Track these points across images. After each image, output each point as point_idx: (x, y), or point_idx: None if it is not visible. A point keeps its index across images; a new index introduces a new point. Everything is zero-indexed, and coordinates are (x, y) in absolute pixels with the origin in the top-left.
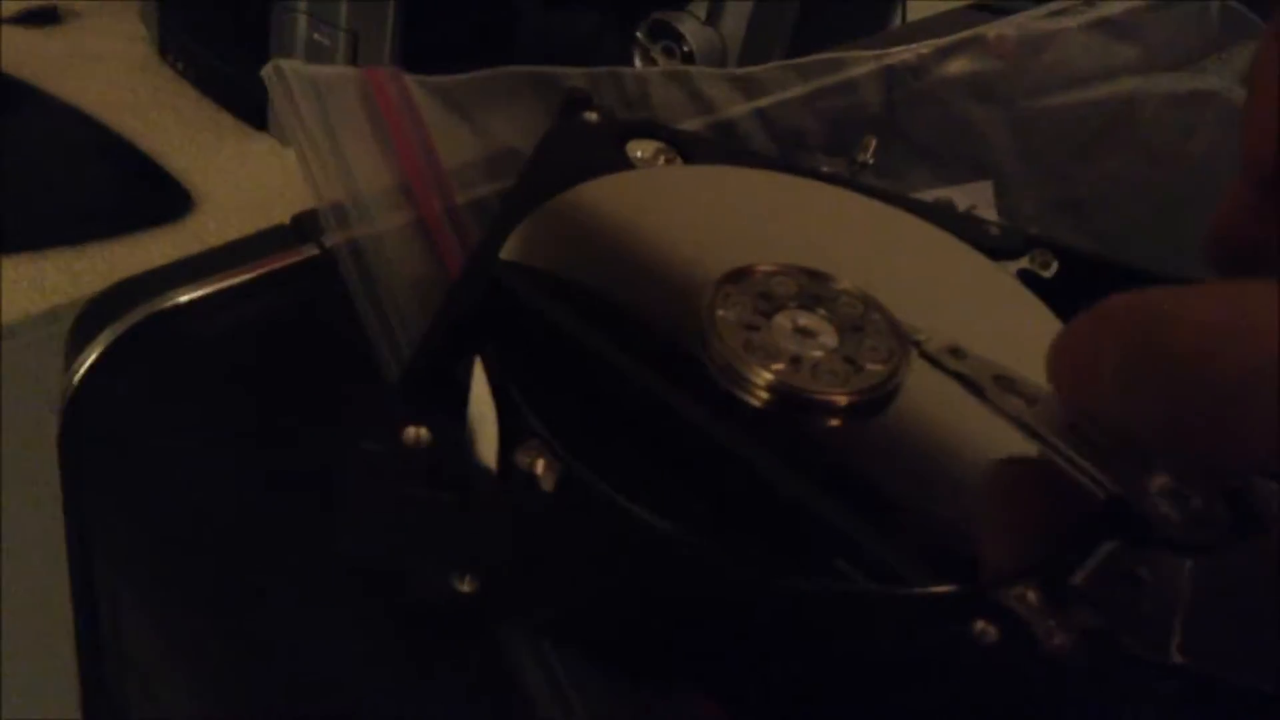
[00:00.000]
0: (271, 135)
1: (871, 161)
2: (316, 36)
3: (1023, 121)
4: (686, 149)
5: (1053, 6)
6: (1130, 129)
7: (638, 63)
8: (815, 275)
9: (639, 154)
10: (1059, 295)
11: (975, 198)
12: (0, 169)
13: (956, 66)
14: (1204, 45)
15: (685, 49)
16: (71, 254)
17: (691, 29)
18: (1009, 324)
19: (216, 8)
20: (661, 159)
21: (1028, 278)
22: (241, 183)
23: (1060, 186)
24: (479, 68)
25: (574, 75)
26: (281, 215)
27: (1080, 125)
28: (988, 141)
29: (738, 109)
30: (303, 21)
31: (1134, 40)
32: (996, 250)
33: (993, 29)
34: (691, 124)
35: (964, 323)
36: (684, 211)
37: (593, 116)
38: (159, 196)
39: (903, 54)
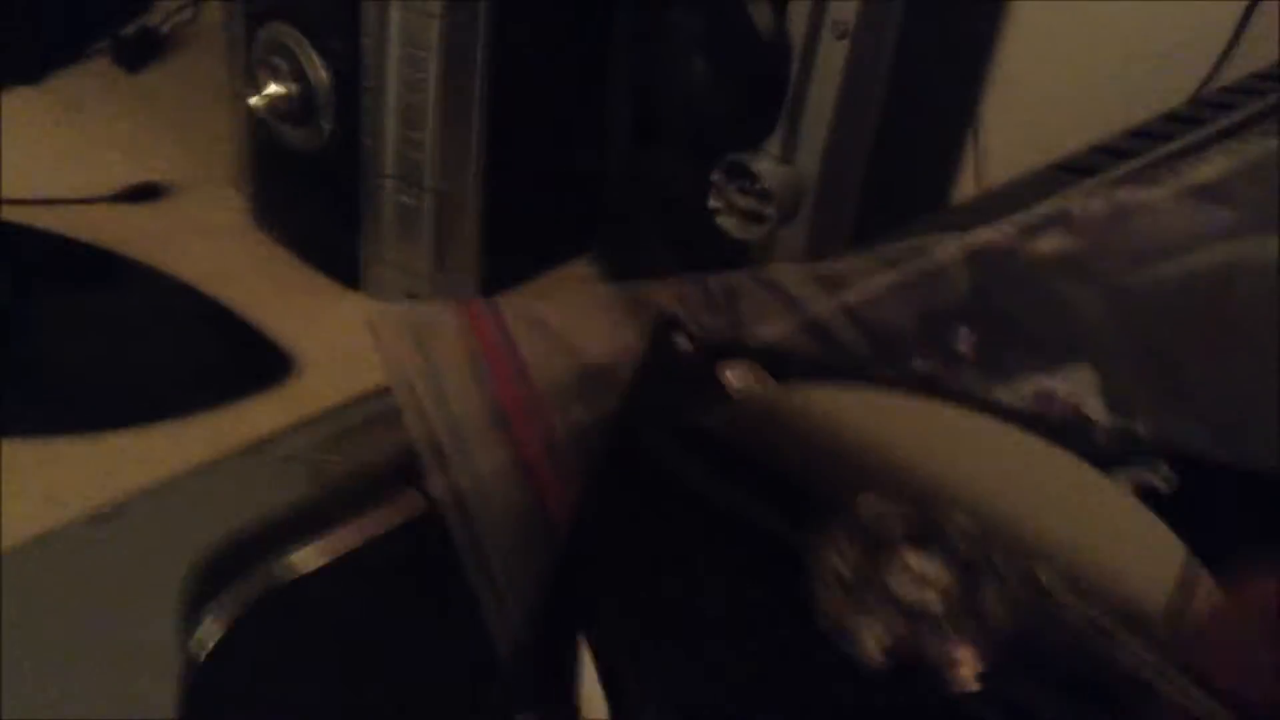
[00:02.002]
0: (366, 293)
1: (968, 355)
2: (403, 199)
3: (1118, 298)
4: (777, 367)
5: (1136, 166)
6: (1229, 301)
7: (714, 203)
8: (926, 506)
9: (731, 378)
10: (1179, 507)
11: (1077, 385)
12: (106, 344)
13: (1044, 245)
14: None
15: (761, 187)
16: (179, 425)
17: (767, 168)
18: (1129, 550)
19: (307, 175)
20: (753, 380)
21: (1143, 491)
22: (340, 342)
23: (1164, 368)
24: (564, 218)
25: (662, 292)
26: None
27: (1177, 300)
28: (1084, 321)
29: (824, 306)
30: (389, 185)
31: (1226, 203)
32: (1107, 459)
33: (1078, 202)
34: (780, 326)
35: (1082, 548)
36: (785, 444)
37: (684, 342)
38: (261, 362)
39: (988, 235)
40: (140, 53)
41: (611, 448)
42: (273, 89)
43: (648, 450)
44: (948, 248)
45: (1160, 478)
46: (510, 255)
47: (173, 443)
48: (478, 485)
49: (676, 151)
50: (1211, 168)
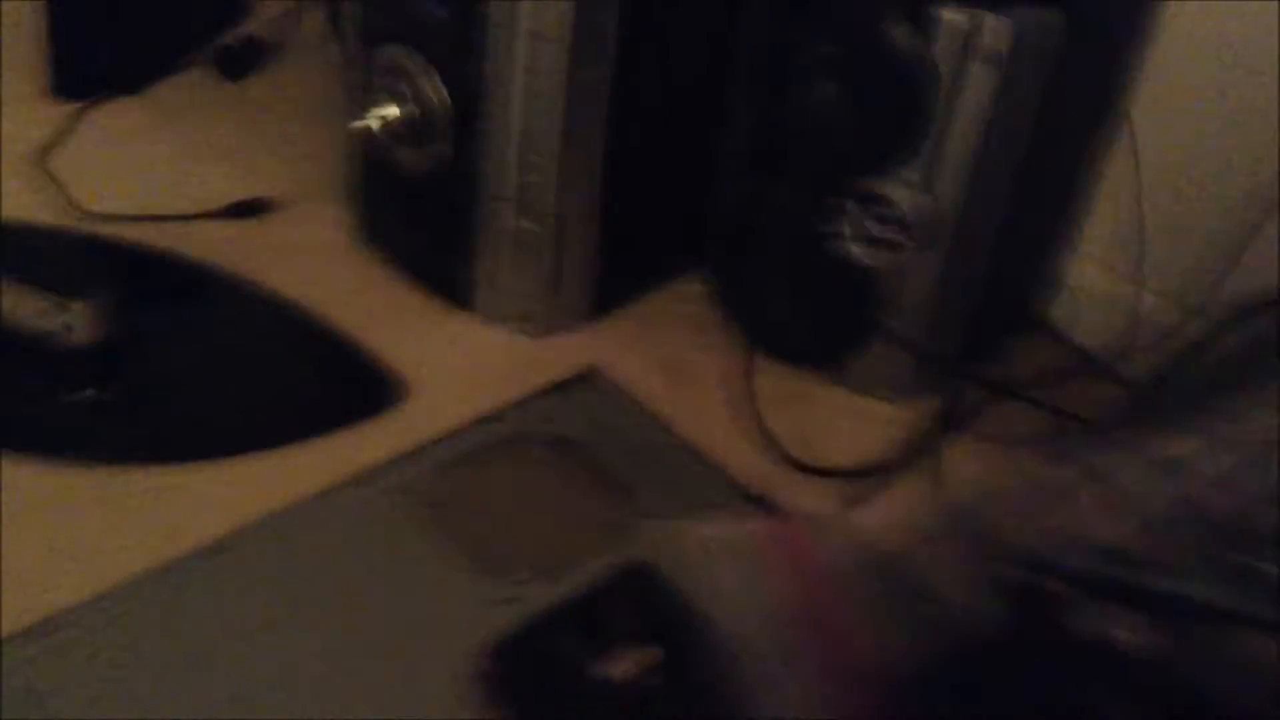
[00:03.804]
0: (476, 315)
1: None
2: (522, 224)
3: None
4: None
5: None
6: None
7: (846, 230)
8: None
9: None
10: None
11: None
12: (215, 368)
13: None
14: None
15: (898, 216)
16: (290, 453)
17: (904, 196)
18: None
19: (420, 197)
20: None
21: None
22: (452, 365)
23: None
24: (674, 238)
25: (990, 507)
26: (493, 398)
27: None
28: None
29: (1161, 497)
30: (506, 210)
31: None
32: None
33: None
34: (1117, 521)
35: None
36: None
37: (1056, 586)
38: (373, 386)
39: None
40: (242, 61)
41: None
42: (389, 111)
43: None
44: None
45: None
46: (622, 276)
47: (284, 471)
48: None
49: (799, 177)
50: None
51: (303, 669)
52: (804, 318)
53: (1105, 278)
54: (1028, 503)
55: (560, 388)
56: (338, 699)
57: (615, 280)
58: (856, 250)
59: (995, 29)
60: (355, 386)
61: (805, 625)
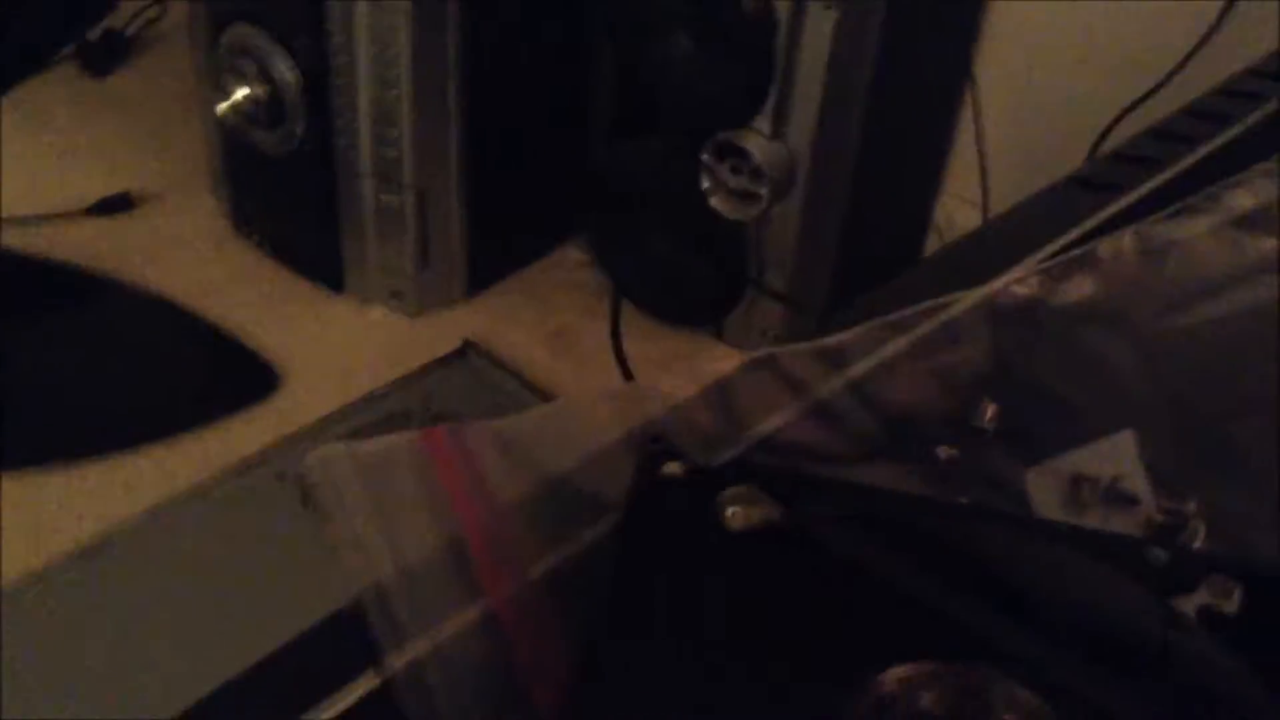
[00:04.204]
0: (350, 296)
1: (993, 429)
2: (384, 198)
3: (1155, 350)
4: (786, 497)
5: (1159, 184)
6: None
7: (705, 184)
8: (967, 682)
9: (734, 515)
10: (1246, 627)
11: (1116, 457)
12: (85, 369)
13: (1071, 294)
14: None
15: (753, 165)
16: (164, 449)
17: (757, 145)
18: None
19: (282, 179)
20: (759, 516)
21: (1208, 615)
22: (326, 350)
23: (1211, 433)
24: (548, 206)
25: (648, 397)
26: (370, 379)
27: (1220, 347)
28: (1120, 380)
29: (830, 385)
30: (367, 185)
31: (1266, 231)
32: (1166, 582)
33: (1106, 244)
34: (783, 414)
35: None
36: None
37: (675, 469)
38: (245, 377)
39: (1007, 286)
40: (107, 57)
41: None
42: (240, 92)
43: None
44: (962, 304)
45: (1222, 595)
46: (495, 248)
47: (159, 467)
48: (438, 651)
49: (663, 134)
50: (1249, 195)
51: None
52: (679, 275)
53: (968, 214)
54: (692, 397)
55: (439, 364)
56: None
57: (492, 252)
58: (718, 203)
59: None
60: (230, 377)
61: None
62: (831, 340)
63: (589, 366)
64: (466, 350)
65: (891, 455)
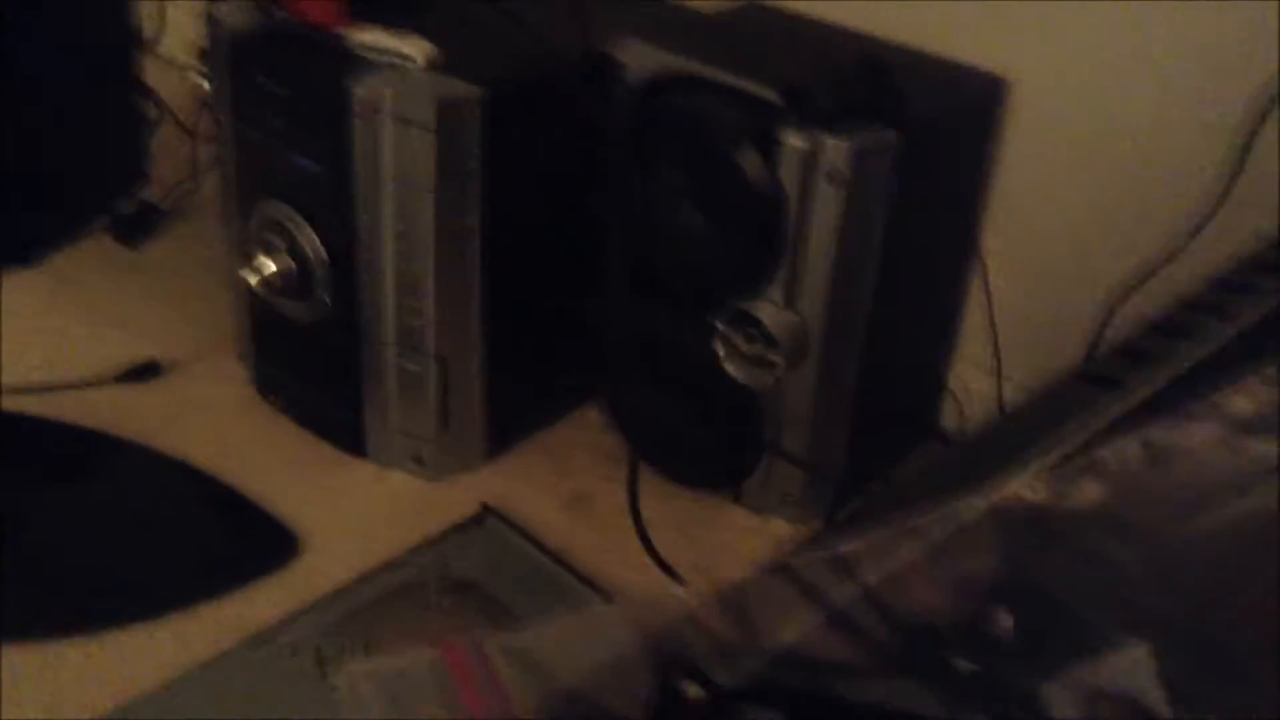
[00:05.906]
0: (371, 461)
1: (1008, 639)
2: (407, 365)
3: (1164, 558)
4: (804, 712)
5: (1162, 383)
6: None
7: (720, 351)
8: None
9: None
10: None
11: (1132, 673)
12: (106, 538)
13: (1080, 500)
14: None
15: (766, 333)
16: (183, 617)
17: (770, 314)
18: None
19: (308, 347)
20: None
21: None
22: (346, 515)
23: (1221, 646)
24: (566, 369)
25: (664, 603)
26: (389, 545)
27: (1226, 556)
28: (1131, 587)
29: (844, 592)
30: (390, 353)
31: (1265, 436)
32: None
33: (1113, 451)
34: (799, 624)
35: None
36: None
37: (696, 693)
38: (266, 543)
39: (1016, 492)
40: (140, 228)
41: None
42: (269, 265)
43: None
44: (972, 509)
45: None
46: (515, 412)
47: (177, 638)
48: None
49: (676, 300)
50: (1248, 400)
51: None
52: (696, 439)
53: (984, 381)
54: (709, 607)
55: (457, 530)
56: None
57: (511, 415)
58: (733, 369)
59: (836, 149)
60: (249, 544)
61: None
62: (844, 548)
63: (607, 533)
64: (484, 515)
65: (909, 669)
